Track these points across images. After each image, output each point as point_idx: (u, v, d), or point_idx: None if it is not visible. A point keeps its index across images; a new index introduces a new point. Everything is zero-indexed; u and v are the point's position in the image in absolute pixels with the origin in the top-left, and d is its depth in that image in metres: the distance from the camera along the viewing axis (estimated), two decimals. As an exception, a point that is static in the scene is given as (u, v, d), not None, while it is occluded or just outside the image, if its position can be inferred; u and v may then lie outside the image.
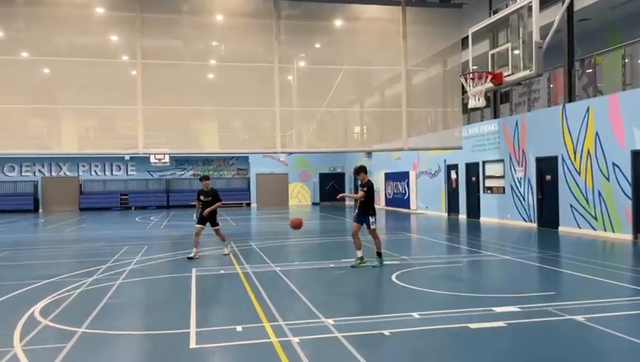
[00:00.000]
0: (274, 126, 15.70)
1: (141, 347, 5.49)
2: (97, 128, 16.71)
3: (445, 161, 21.89)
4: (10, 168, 31.75)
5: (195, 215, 11.65)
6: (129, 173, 33.20)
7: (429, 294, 7.46)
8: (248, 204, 33.62)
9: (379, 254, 9.70)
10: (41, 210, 31.52)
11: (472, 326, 5.75)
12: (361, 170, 9.74)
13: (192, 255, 10.89)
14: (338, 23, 16.64)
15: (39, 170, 31.98)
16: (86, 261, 10.91)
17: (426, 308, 6.50)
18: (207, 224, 11.12)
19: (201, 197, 11.10)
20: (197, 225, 11.12)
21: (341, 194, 11.03)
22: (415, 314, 6.22)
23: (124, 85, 15.33)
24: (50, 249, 13.83)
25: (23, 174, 31.87)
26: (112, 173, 33.12)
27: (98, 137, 16.57)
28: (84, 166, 32.57)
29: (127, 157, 31.89)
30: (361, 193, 9.53)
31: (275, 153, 26.28)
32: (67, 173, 32.35)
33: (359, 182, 9.77)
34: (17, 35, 15.44)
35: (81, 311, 6.68)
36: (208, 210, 10.92)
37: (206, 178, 11.26)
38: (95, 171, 32.87)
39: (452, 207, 21.60)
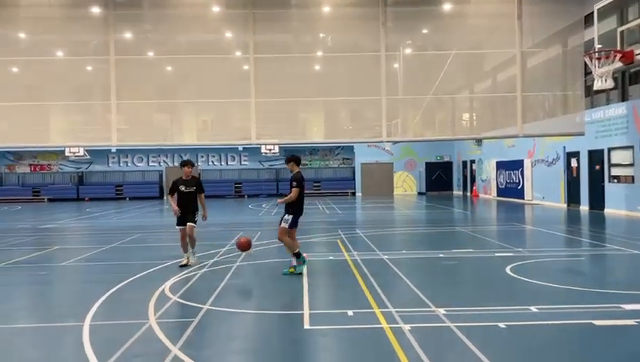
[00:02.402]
0: (379, 115, 15.64)
1: (260, 325, 5.82)
2: (214, 121, 17.81)
3: (565, 148, 20.44)
4: (139, 159, 34.90)
5: (171, 207, 9.13)
6: (242, 163, 35.00)
7: (547, 288, 7.07)
8: (353, 193, 33.91)
9: (297, 255, 8.16)
10: (165, 197, 34.30)
11: (597, 322, 5.38)
12: (290, 160, 8.36)
13: (184, 262, 9.03)
14: (446, 6, 16.10)
15: (164, 161, 34.80)
16: (206, 244, 11.71)
17: (544, 302, 6.19)
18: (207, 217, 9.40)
19: (181, 188, 8.92)
20: (180, 228, 9.04)
21: (279, 201, 8.48)
22: (533, 308, 5.95)
23: (238, 79, 16.11)
24: (174, 232, 14.99)
25: (150, 164, 34.91)
26: (227, 163, 35.17)
27: (215, 129, 17.64)
28: (202, 156, 34.87)
29: (240, 148, 33.63)
30: (293, 192, 8.04)
31: (381, 142, 26.22)
32: (187, 163, 34.84)
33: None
34: (144, 36, 16.81)
35: (205, 289, 7.23)
36: (205, 214, 9.20)
37: (188, 163, 9.04)
38: (212, 161, 35.11)
39: (572, 197, 20.15)
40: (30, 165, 34.53)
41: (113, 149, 32.90)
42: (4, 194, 32.92)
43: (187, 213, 8.95)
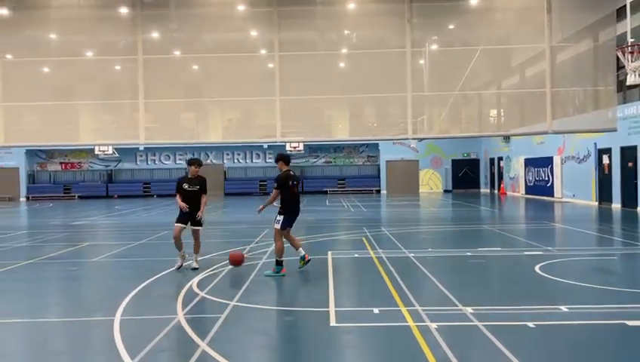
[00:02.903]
0: (404, 112, 15.52)
1: (286, 321, 5.85)
2: (239, 119, 17.94)
3: (596, 144, 19.96)
4: (166, 157, 35.41)
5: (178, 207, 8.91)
6: (267, 160, 35.16)
7: (578, 287, 6.92)
8: (378, 191, 33.75)
9: (278, 263, 7.97)
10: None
11: (630, 323, 5.25)
12: (279, 159, 8.14)
13: (179, 264, 8.75)
14: (473, 1, 15.87)
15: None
16: (232, 241, 11.82)
17: (575, 302, 6.06)
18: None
19: (184, 186, 8.62)
20: (177, 224, 8.74)
21: (260, 208, 8.42)
22: (563, 308, 5.83)
23: (263, 77, 16.17)
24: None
25: (177, 162, 35.36)
26: (252, 161, 35.43)
27: (240, 127, 17.77)
28: (228, 154, 35.17)
29: (265, 146, 33.78)
30: (273, 193, 7.98)
31: (406, 139, 26.02)
32: (214, 161, 35.17)
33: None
34: (171, 36, 17.00)
35: (232, 286, 7.31)
36: (200, 212, 8.67)
37: (195, 163, 8.66)
38: (237, 159, 35.39)
39: (604, 195, 19.68)
40: (61, 163, 35.36)
41: (141, 147, 33.41)
42: (36, 191, 33.80)
43: (191, 213, 8.63)
